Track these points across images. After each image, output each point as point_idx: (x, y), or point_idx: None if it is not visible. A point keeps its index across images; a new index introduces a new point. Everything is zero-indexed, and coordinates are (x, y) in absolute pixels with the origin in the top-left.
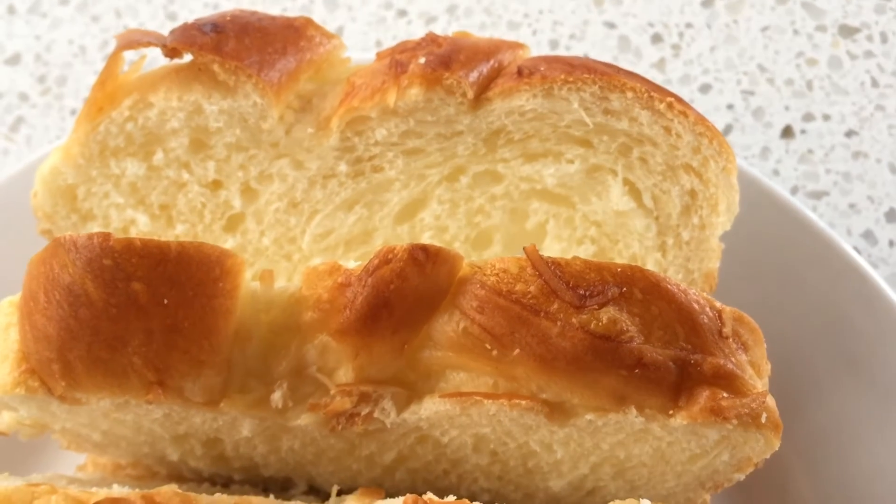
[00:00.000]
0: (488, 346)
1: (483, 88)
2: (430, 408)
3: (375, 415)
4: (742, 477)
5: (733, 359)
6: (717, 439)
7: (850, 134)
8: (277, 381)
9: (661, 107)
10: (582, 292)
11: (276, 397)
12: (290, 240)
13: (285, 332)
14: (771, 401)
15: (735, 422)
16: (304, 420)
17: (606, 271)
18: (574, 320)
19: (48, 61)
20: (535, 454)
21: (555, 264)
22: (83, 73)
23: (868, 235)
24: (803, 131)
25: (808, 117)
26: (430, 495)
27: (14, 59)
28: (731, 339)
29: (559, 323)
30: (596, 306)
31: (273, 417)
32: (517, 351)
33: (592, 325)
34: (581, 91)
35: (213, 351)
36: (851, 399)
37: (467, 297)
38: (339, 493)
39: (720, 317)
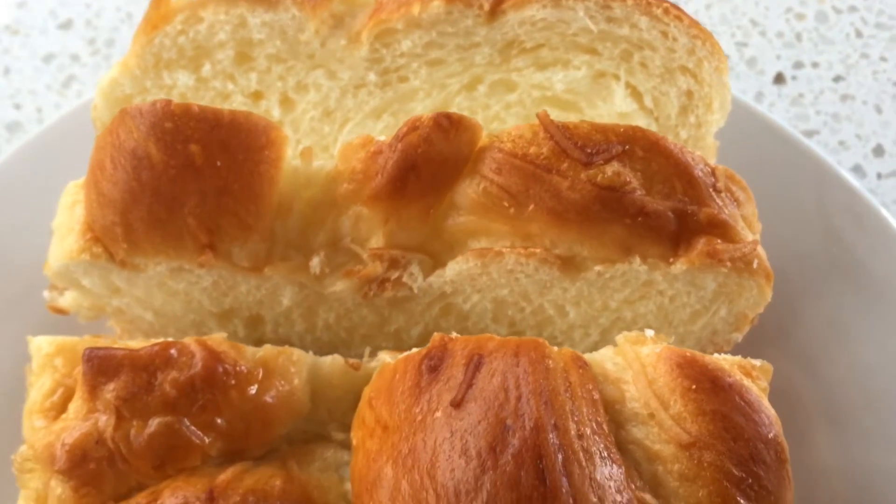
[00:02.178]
0: (506, 204)
1: (498, 1)
2: (454, 269)
3: (404, 279)
4: (740, 338)
5: (727, 210)
6: (715, 290)
7: (837, 79)
8: (315, 251)
9: (659, 12)
10: (589, 150)
11: (315, 263)
12: (324, 148)
13: (322, 208)
14: (762, 251)
15: (729, 265)
16: (339, 286)
17: (610, 132)
18: (582, 175)
19: (98, 26)
20: (549, 321)
21: (564, 127)
22: (129, 36)
23: (857, 169)
24: (794, 77)
25: (798, 65)
26: (454, 334)
27: (66, 24)
28: (724, 194)
29: (569, 178)
30: (602, 162)
31: (311, 284)
32: (532, 206)
33: (599, 178)
34: (585, 0)
35: (258, 216)
36: (845, 304)
37: (486, 161)
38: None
39: (714, 173)
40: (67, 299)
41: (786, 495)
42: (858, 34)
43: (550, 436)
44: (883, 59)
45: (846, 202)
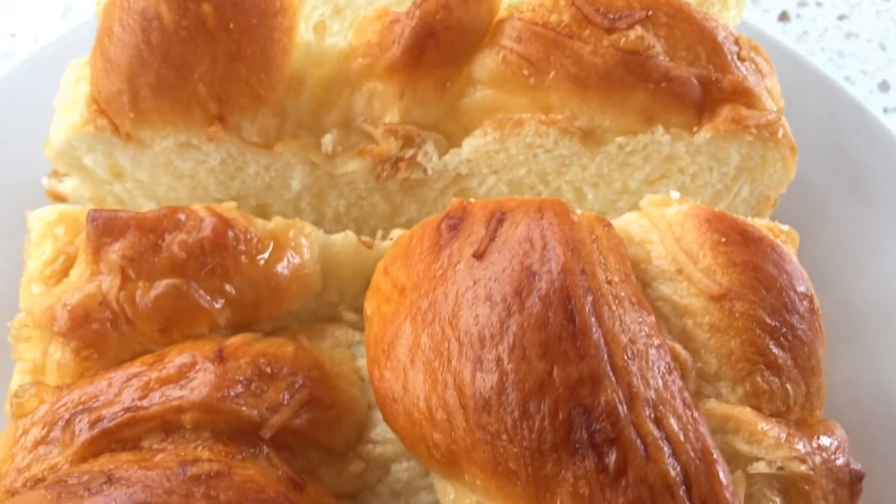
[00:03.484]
0: (525, 73)
1: None
2: (471, 145)
3: (418, 158)
4: None
5: (751, 78)
6: (738, 165)
7: (841, 18)
8: (328, 130)
9: None
10: (611, 16)
11: (327, 141)
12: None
13: (335, 87)
14: (786, 123)
15: (755, 132)
16: (351, 166)
17: None
18: (605, 40)
19: None
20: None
21: None
22: None
23: None
24: (798, 16)
25: (802, 3)
26: (471, 200)
27: None
28: (748, 63)
29: (591, 43)
30: (625, 27)
31: (323, 163)
32: (552, 74)
33: (622, 42)
34: None
35: (270, 87)
36: (855, 221)
37: (506, 31)
38: None
39: (738, 41)
40: (67, 186)
41: (819, 347)
42: None
43: (579, 278)
44: None
45: (856, 122)
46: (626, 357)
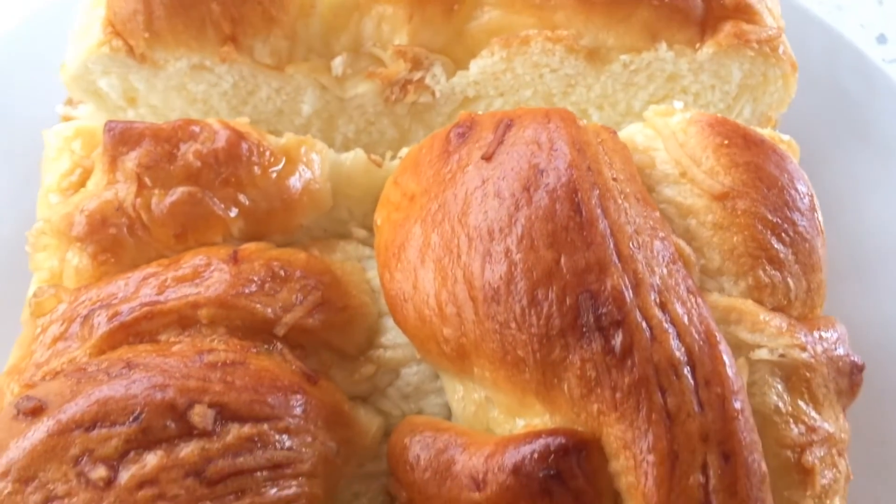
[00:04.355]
0: None
1: None
2: (478, 65)
3: (427, 81)
4: None
5: None
6: (740, 83)
7: None
8: (337, 54)
9: None
10: None
11: (337, 63)
12: None
13: (344, 11)
14: (787, 41)
15: (756, 47)
16: (361, 88)
17: None
18: None
19: None
20: None
21: None
22: None
23: None
24: None
25: None
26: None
27: None
28: None
29: None
30: None
31: (333, 87)
32: None
33: None
34: None
35: (282, 8)
36: (854, 160)
37: None
38: None
39: None
40: (82, 113)
41: (820, 245)
42: None
43: (585, 174)
44: None
45: (854, 65)
46: (631, 246)
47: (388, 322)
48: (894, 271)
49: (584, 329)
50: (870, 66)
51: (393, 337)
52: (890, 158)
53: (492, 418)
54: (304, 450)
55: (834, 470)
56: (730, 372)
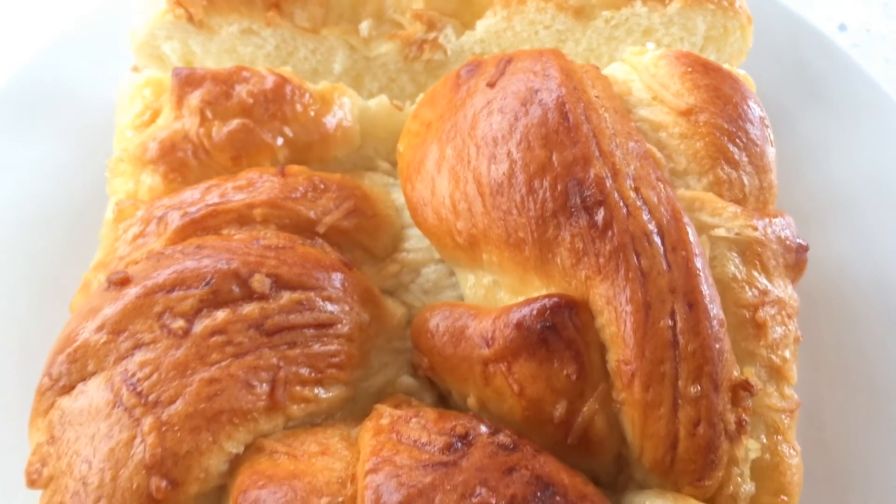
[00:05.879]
0: None
1: None
2: (482, 25)
3: (440, 40)
4: None
5: None
6: (705, 34)
7: None
8: (363, 20)
9: None
10: None
11: (364, 26)
12: None
13: None
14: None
15: (716, 1)
16: (384, 48)
17: None
18: None
19: None
20: None
21: None
22: None
23: None
24: None
25: None
26: None
27: None
28: None
29: None
30: None
31: (361, 47)
32: None
33: None
34: None
35: None
36: (817, 124)
37: None
38: None
39: None
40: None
41: (769, 151)
42: None
43: (572, 91)
44: None
45: (814, 43)
46: (610, 145)
47: (410, 232)
48: (851, 216)
49: (573, 209)
50: (827, 44)
51: (414, 243)
52: (847, 121)
53: (498, 299)
54: (343, 316)
55: (784, 328)
56: (692, 240)
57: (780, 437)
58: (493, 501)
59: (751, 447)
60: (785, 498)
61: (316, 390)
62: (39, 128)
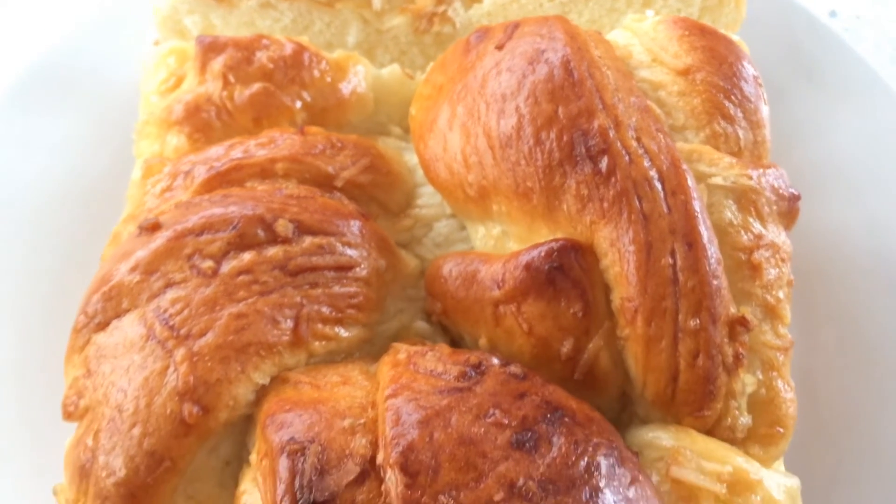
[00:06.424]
0: None
1: None
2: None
3: (449, 13)
4: None
5: None
6: (701, 6)
7: None
8: None
9: None
10: None
11: (377, 0)
12: None
13: None
14: None
15: None
16: (396, 21)
17: None
18: None
19: None
20: None
21: None
22: None
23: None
24: None
25: None
26: None
27: None
28: None
29: None
30: None
31: (373, 20)
32: None
33: None
34: None
35: None
36: (809, 101)
37: None
38: None
39: None
40: None
41: (762, 108)
42: None
43: (576, 51)
44: None
45: (806, 26)
46: (613, 99)
47: (422, 190)
48: (843, 189)
49: (578, 158)
50: (818, 26)
51: (427, 199)
52: (838, 98)
53: (507, 248)
54: (361, 260)
55: (777, 270)
56: (691, 185)
57: (775, 374)
58: (506, 421)
59: (747, 382)
60: (780, 430)
61: (336, 329)
62: (66, 106)
